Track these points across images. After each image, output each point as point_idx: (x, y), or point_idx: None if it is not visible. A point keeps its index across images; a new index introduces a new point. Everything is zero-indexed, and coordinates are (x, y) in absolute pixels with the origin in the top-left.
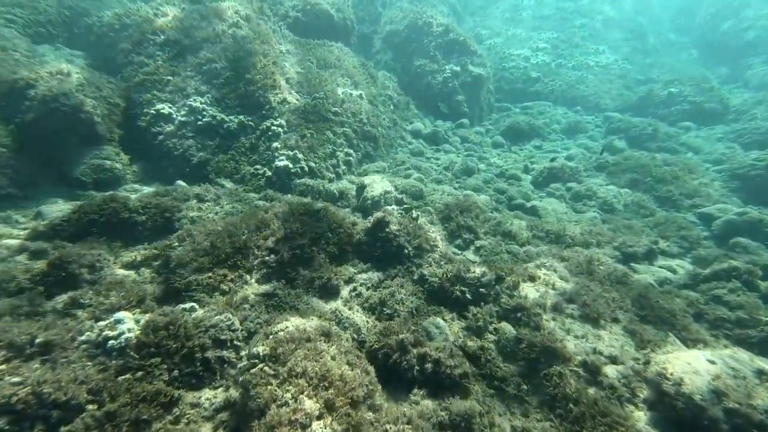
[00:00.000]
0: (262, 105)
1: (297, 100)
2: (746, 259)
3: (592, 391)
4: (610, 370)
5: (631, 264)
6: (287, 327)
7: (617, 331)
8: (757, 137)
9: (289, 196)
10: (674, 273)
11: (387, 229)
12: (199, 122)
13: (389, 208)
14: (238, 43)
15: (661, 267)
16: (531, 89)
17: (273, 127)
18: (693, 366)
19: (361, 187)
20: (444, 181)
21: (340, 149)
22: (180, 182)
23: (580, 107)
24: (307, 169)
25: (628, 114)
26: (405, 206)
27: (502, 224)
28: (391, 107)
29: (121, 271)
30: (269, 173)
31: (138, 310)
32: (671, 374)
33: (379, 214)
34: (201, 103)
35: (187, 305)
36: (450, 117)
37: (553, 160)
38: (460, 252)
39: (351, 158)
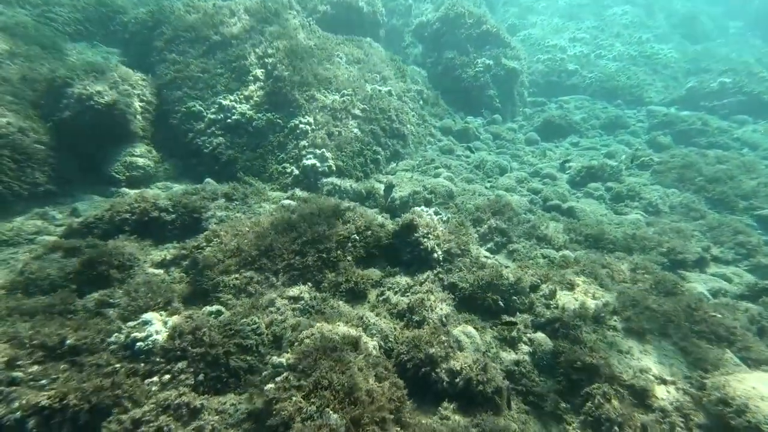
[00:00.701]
0: (290, 102)
1: (325, 97)
2: None
3: (639, 414)
4: (660, 392)
5: (680, 271)
6: (313, 333)
7: (667, 347)
8: None
9: (316, 195)
10: (729, 282)
11: (416, 233)
12: (228, 120)
13: (418, 209)
14: (266, 37)
15: (713, 275)
16: (567, 82)
17: (301, 125)
18: (759, 391)
19: (390, 187)
20: (475, 180)
21: (368, 147)
22: (209, 180)
23: (621, 101)
24: (334, 167)
25: (675, 107)
26: (434, 208)
27: (536, 227)
28: (420, 103)
29: (151, 270)
30: (297, 172)
31: (165, 312)
32: (733, 399)
33: (407, 216)
34: (230, 101)
35: (214, 308)
36: (482, 113)
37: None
38: (492, 255)
39: (379, 156)
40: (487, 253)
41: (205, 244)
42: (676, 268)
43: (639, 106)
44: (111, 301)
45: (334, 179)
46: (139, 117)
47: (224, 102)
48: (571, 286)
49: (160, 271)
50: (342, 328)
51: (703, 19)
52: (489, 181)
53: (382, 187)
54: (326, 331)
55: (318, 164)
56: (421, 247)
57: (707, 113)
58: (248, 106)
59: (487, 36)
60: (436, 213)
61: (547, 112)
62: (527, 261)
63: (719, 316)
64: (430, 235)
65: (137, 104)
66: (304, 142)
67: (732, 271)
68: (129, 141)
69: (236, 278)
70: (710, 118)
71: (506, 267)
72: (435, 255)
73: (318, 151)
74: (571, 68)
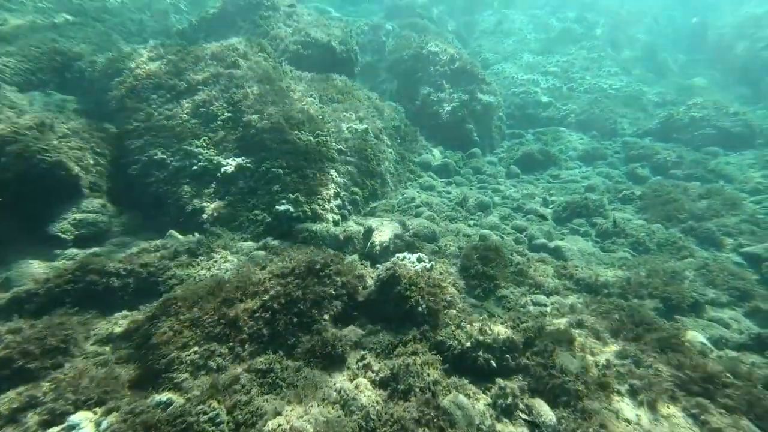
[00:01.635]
0: (260, 146)
1: (299, 139)
2: None
3: None
4: None
5: (676, 317)
6: (280, 426)
7: (676, 413)
8: None
9: (290, 245)
10: (727, 328)
11: (398, 286)
12: (195, 167)
13: (400, 259)
14: (234, 82)
15: (711, 320)
16: (543, 114)
17: (273, 169)
18: None
19: (369, 231)
20: (458, 218)
21: (345, 189)
22: (172, 233)
23: (596, 132)
24: (309, 212)
25: (649, 139)
26: (417, 254)
27: (525, 272)
28: (398, 140)
29: (94, 348)
30: (269, 219)
31: (101, 409)
32: None
33: (389, 268)
34: (197, 147)
35: (163, 397)
36: (460, 147)
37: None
38: (480, 304)
39: (357, 197)
40: (475, 301)
41: (159, 313)
42: (671, 313)
43: (614, 137)
44: (32, 401)
45: (309, 225)
46: (92, 170)
47: (190, 149)
48: (570, 342)
49: (106, 349)
50: (316, 410)
51: (665, 55)
52: (472, 219)
53: (361, 230)
54: (296, 421)
55: (292, 209)
56: (405, 301)
57: (680, 145)
58: (216, 151)
59: (462, 73)
60: (419, 260)
61: (526, 146)
62: (518, 309)
63: (732, 376)
64: (413, 287)
65: (89, 158)
66: (276, 187)
67: (729, 315)
68: (79, 196)
69: (195, 352)
70: (684, 151)
71: (496, 318)
72: (420, 309)
73: (291, 196)
74: (545, 101)
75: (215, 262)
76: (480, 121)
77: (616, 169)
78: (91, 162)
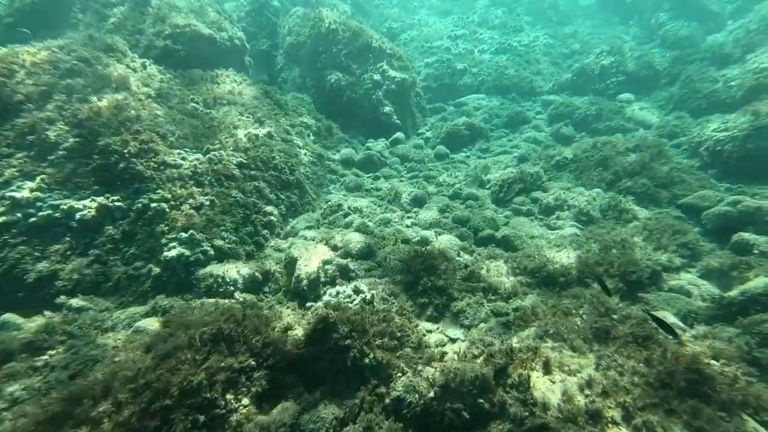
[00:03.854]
0: (132, 177)
1: (183, 159)
2: None
3: None
4: None
5: (640, 294)
6: None
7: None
8: (700, 102)
9: (187, 304)
10: (690, 296)
11: (335, 333)
12: (33, 219)
13: (334, 294)
14: (76, 96)
15: (672, 290)
16: (460, 82)
17: (154, 205)
18: None
19: (291, 262)
20: (393, 220)
21: (255, 211)
22: (8, 316)
23: (515, 94)
24: (212, 252)
25: (565, 94)
26: (354, 284)
27: (476, 274)
28: (312, 137)
29: None
30: (157, 271)
31: None
32: None
33: (319, 314)
34: (32, 192)
35: None
36: (382, 133)
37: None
38: (434, 327)
39: (272, 217)
40: (430, 325)
41: None
42: (633, 291)
43: (533, 97)
44: None
45: (213, 268)
46: None
47: (20, 194)
48: (546, 363)
49: None
50: None
51: (562, 3)
52: (409, 217)
53: (283, 257)
54: None
55: (187, 252)
56: (345, 353)
57: (594, 95)
58: (65, 192)
59: (367, 49)
60: (357, 291)
61: (450, 120)
62: (478, 325)
63: (723, 371)
64: (353, 333)
65: None
66: (161, 227)
67: (688, 280)
68: None
69: None
70: (601, 101)
71: (457, 340)
72: (366, 360)
73: (184, 235)
74: (460, 68)
75: (74, 354)
76: (397, 101)
77: (542, 131)
78: None
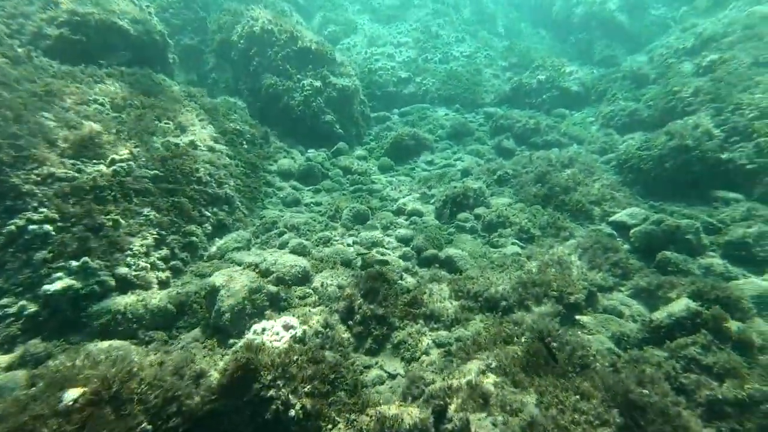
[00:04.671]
0: (5, 193)
1: (78, 172)
2: (691, 288)
3: None
4: None
5: (577, 317)
6: None
7: None
8: (625, 120)
9: (67, 356)
10: (622, 317)
11: (258, 382)
12: None
13: (260, 331)
14: None
15: (605, 311)
16: (404, 91)
17: (33, 227)
18: None
19: (213, 292)
20: (334, 238)
21: (172, 231)
22: None
23: (459, 105)
24: (113, 282)
25: (506, 106)
26: (284, 319)
27: (418, 300)
28: (245, 146)
29: None
30: (33, 309)
31: None
32: None
33: (240, 360)
34: None
35: None
36: (323, 143)
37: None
38: (373, 361)
39: (194, 238)
40: (368, 359)
41: None
42: (572, 314)
43: (476, 108)
44: None
45: (113, 302)
46: None
47: None
48: (484, 397)
49: None
50: None
51: (499, 15)
52: (351, 235)
53: (203, 290)
54: None
55: (78, 284)
56: (267, 405)
57: (532, 110)
58: None
59: (308, 53)
60: (287, 327)
61: (395, 132)
62: (419, 358)
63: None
64: (279, 381)
65: None
66: (42, 254)
67: (620, 300)
68: None
69: None
70: (538, 115)
71: (396, 377)
72: (292, 412)
73: (75, 263)
74: (404, 76)
75: None
76: (340, 110)
77: (484, 144)
78: None
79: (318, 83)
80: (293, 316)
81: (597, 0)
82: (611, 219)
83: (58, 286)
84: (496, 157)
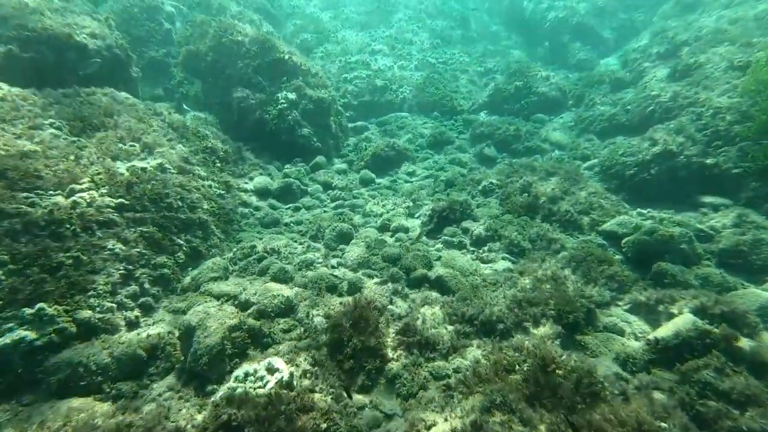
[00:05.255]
0: None
1: (32, 206)
2: (694, 303)
3: None
4: None
5: (578, 338)
6: None
7: None
8: (605, 124)
9: (28, 408)
10: (623, 335)
11: None
12: None
13: (242, 377)
14: None
15: (606, 329)
16: (381, 100)
17: None
18: None
19: (188, 331)
20: (316, 261)
21: (141, 264)
22: None
23: (438, 112)
24: (73, 329)
25: (485, 113)
26: (267, 361)
27: (411, 327)
28: (218, 164)
29: None
30: None
31: None
32: None
33: (222, 417)
34: None
35: None
36: (301, 157)
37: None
38: (367, 400)
39: (165, 270)
40: (361, 398)
41: None
42: (572, 334)
43: (455, 116)
44: None
45: (73, 352)
46: None
47: None
48: None
49: None
50: None
51: (472, 20)
52: (334, 256)
53: (175, 330)
54: None
55: (33, 335)
56: None
57: (510, 116)
58: None
59: (280, 65)
60: (271, 370)
61: (374, 143)
62: (416, 394)
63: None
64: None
65: None
66: None
67: (619, 316)
68: None
69: None
70: (518, 122)
71: (392, 418)
72: None
73: (29, 311)
74: (380, 84)
75: None
76: (316, 122)
77: (465, 152)
78: None
79: (293, 95)
80: (278, 354)
81: (567, 5)
82: (601, 228)
83: (7, 339)
84: (478, 165)
